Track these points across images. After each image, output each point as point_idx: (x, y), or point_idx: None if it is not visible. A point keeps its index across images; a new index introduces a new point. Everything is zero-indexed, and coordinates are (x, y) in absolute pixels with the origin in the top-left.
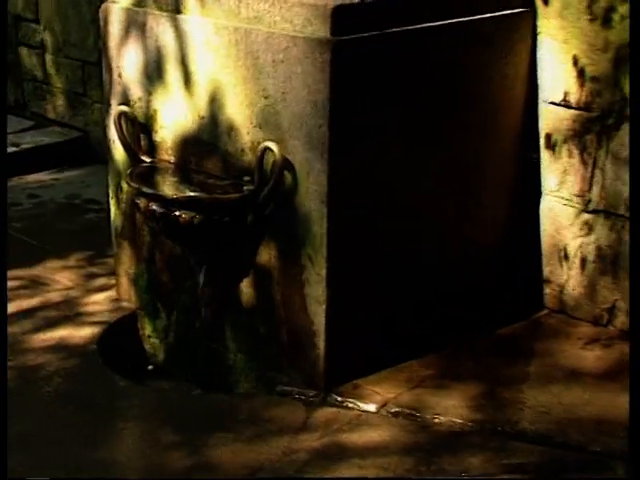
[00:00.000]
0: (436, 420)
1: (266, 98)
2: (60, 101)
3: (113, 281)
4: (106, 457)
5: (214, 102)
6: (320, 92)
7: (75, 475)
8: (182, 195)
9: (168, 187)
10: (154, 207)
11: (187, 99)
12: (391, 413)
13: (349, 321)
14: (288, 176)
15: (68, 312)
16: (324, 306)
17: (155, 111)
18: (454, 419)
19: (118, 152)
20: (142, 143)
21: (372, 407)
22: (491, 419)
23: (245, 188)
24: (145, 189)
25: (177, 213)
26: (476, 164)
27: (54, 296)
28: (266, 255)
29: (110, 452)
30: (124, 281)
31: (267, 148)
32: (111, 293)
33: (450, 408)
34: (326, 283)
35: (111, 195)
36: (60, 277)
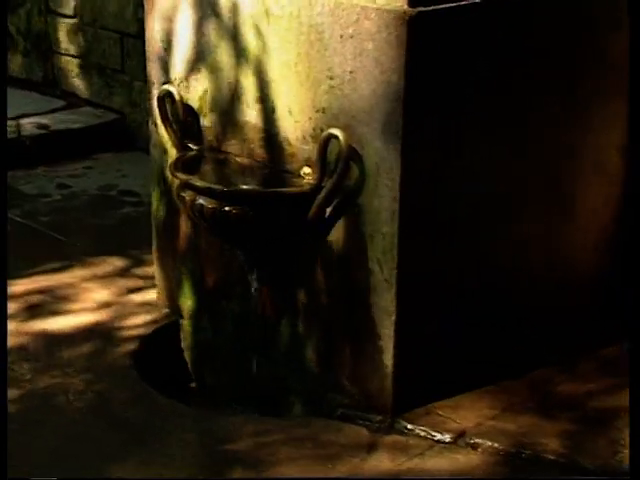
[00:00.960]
0: (522, 454)
1: (331, 79)
2: (95, 78)
3: (153, 285)
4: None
5: (272, 82)
6: (394, 72)
7: None
8: (234, 188)
9: (218, 179)
10: (202, 201)
11: (241, 78)
12: (469, 444)
13: (422, 336)
14: (355, 168)
15: (102, 320)
16: (393, 318)
17: (205, 92)
18: (544, 454)
19: (161, 138)
20: (189, 128)
21: (447, 437)
22: (588, 455)
23: (305, 181)
24: (192, 180)
25: (228, 208)
26: (574, 156)
27: (87, 304)
28: (327, 258)
29: (145, 475)
30: (166, 285)
31: (331, 136)
32: (150, 299)
33: (539, 440)
34: (396, 291)
35: (152, 187)
36: (93, 281)
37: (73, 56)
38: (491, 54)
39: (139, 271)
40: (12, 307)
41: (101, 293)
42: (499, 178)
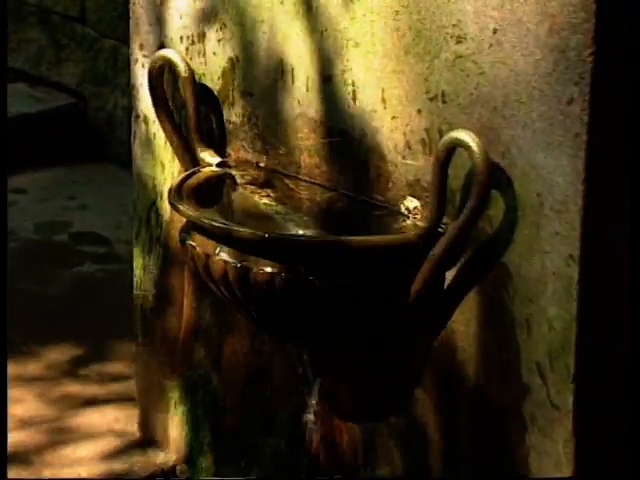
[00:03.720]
0: None
1: (459, 41)
2: (32, 32)
3: (132, 405)
4: None
5: (351, 48)
6: (574, 29)
7: None
8: (282, 235)
9: (253, 217)
10: (225, 256)
11: (298, 38)
12: None
13: None
14: (499, 201)
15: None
16: (569, 470)
17: (233, 62)
18: None
19: (153, 141)
20: (203, 125)
21: None
22: None
23: (409, 223)
24: (207, 219)
25: (270, 270)
26: None
27: (16, 436)
28: (447, 360)
29: None
30: (154, 406)
31: (457, 143)
32: (126, 430)
33: None
34: (573, 425)
35: (135, 228)
36: (27, 393)
37: None
38: None
39: (107, 379)
40: None
41: (38, 414)
42: None
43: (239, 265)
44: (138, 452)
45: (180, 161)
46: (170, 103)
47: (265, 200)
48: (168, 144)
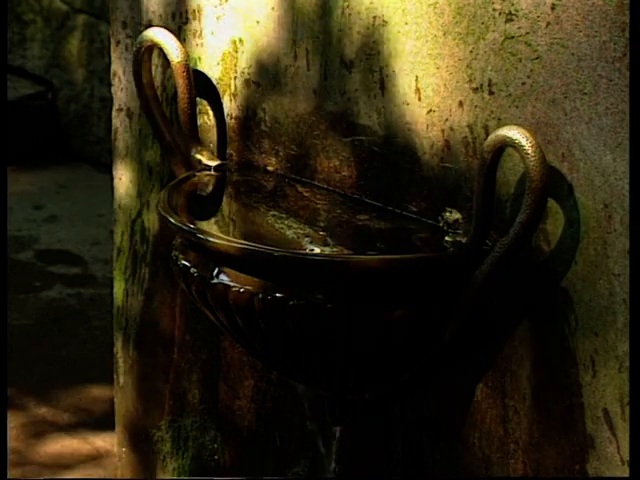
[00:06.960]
0: None
1: (511, 18)
2: None
3: (111, 460)
4: None
5: (378, 27)
6: None
7: None
8: (296, 253)
9: (260, 232)
10: (226, 280)
11: (313, 16)
12: None
13: None
14: (558, 213)
15: None
16: None
17: (236, 43)
18: None
19: (138, 139)
20: (199, 121)
21: None
22: None
23: (448, 239)
24: (204, 235)
25: (279, 295)
26: None
27: None
28: (493, 406)
29: None
30: (140, 459)
31: (506, 142)
32: None
33: None
34: None
35: (116, 243)
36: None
37: None
38: None
39: (82, 427)
40: None
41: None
42: None
43: (242, 289)
44: None
45: (171, 164)
46: (159, 94)
47: (274, 211)
48: (156, 143)
